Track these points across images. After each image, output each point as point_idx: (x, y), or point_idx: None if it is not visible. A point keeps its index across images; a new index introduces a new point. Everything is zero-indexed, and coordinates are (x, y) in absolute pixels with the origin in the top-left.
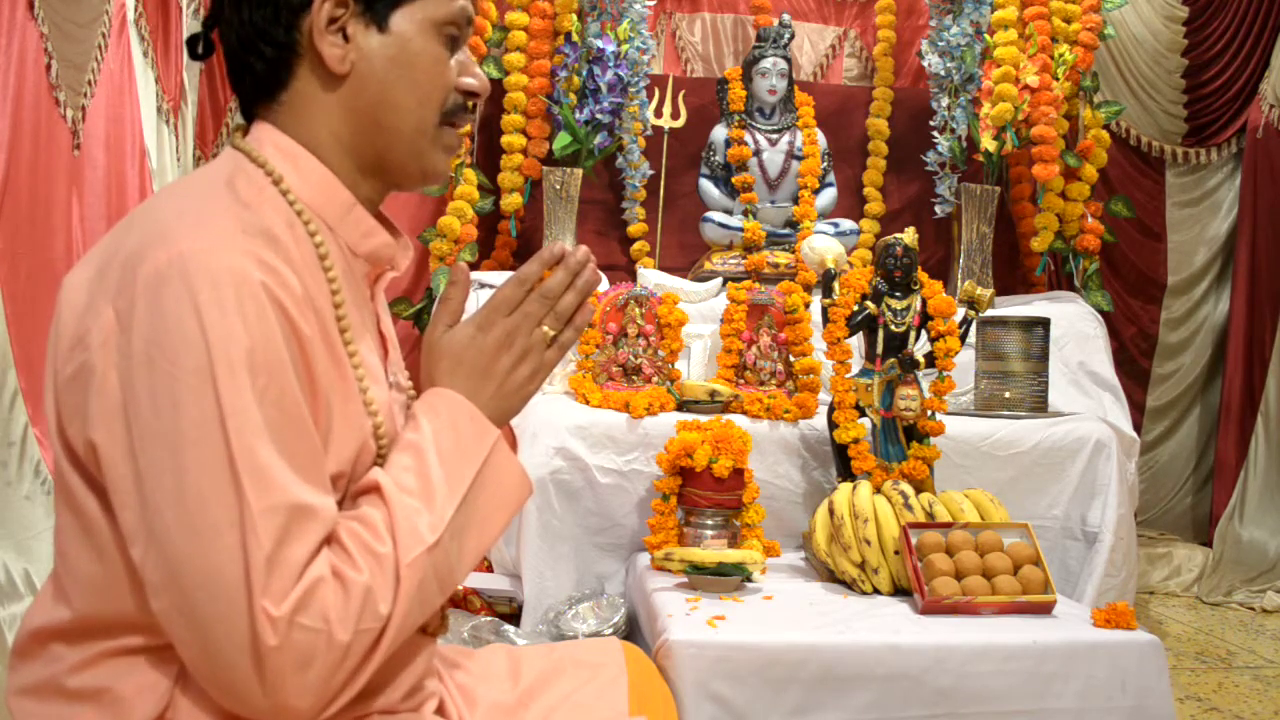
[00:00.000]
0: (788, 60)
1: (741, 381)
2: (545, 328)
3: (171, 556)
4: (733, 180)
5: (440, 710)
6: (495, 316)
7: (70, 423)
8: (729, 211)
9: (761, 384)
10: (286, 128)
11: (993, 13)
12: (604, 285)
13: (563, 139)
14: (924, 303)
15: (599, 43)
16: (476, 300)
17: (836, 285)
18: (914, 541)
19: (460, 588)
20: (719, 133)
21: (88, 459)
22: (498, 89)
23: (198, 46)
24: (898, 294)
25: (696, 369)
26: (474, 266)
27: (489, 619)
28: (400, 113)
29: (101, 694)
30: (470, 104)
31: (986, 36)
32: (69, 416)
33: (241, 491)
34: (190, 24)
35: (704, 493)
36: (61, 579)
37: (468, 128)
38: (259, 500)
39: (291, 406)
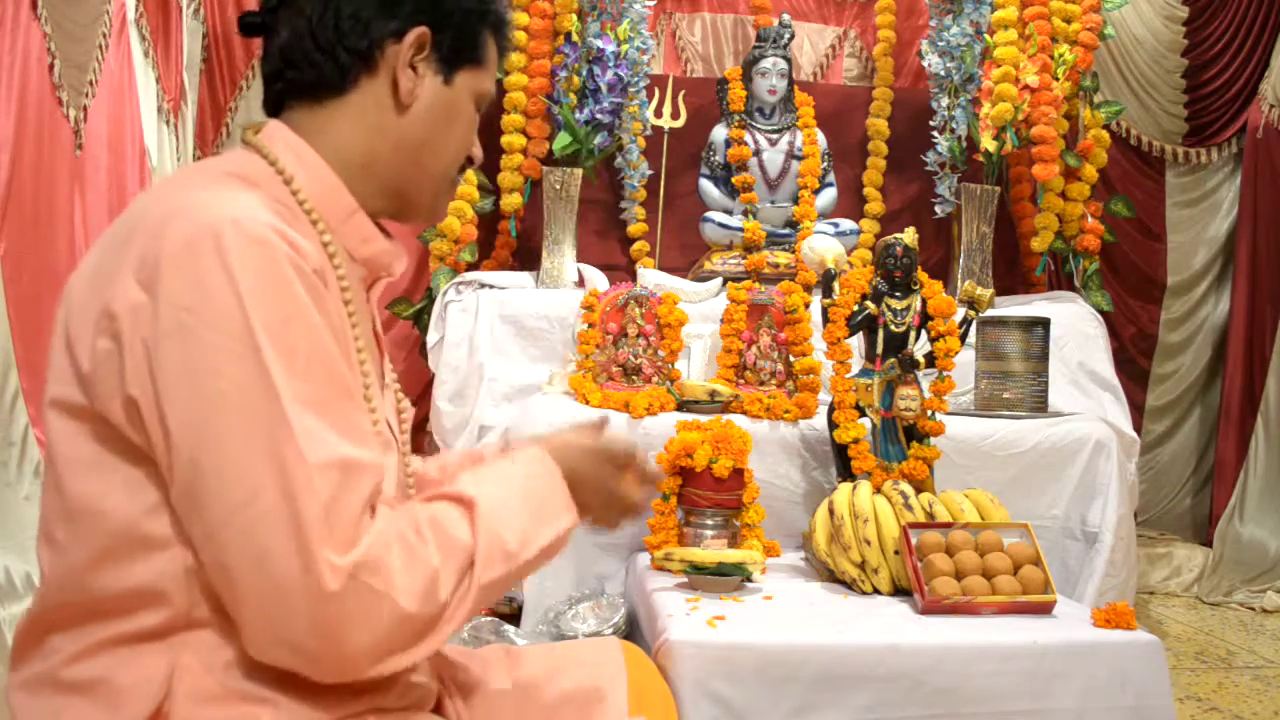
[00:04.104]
0: (788, 60)
1: (741, 381)
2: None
3: (219, 519)
4: (733, 180)
5: (438, 710)
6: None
7: (110, 399)
8: (729, 211)
9: (761, 384)
10: (314, 129)
11: (993, 13)
12: (604, 285)
13: (563, 139)
14: (924, 303)
15: (599, 43)
16: (477, 301)
17: (836, 285)
18: (914, 541)
19: None
20: (719, 133)
21: (127, 427)
22: (498, 89)
23: (252, 26)
24: (898, 294)
25: (696, 369)
26: (474, 266)
27: (489, 619)
28: (438, 156)
29: (97, 685)
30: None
31: (986, 36)
32: (105, 395)
33: (294, 449)
34: (191, 24)
35: (704, 493)
36: (50, 566)
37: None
38: (310, 456)
39: (331, 368)
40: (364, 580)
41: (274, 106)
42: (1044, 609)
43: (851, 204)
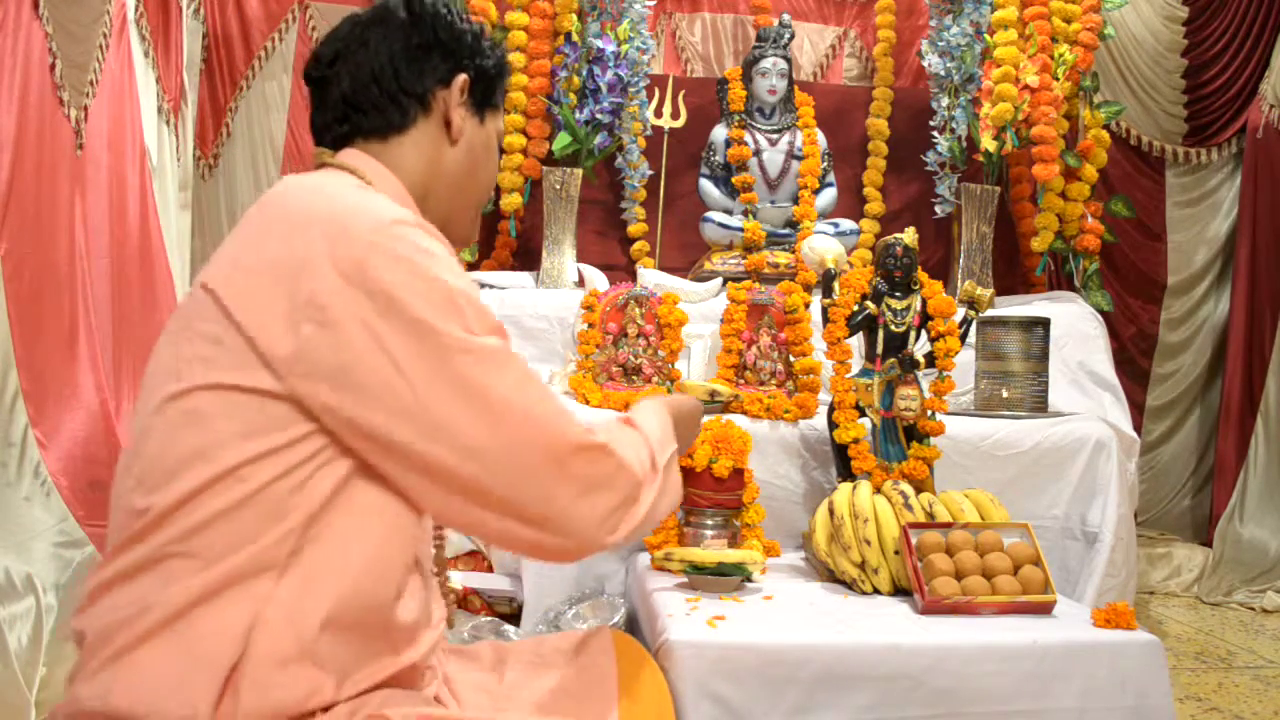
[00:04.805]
0: (788, 60)
1: (741, 381)
2: None
3: (480, 442)
4: (733, 180)
5: (435, 701)
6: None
7: (310, 377)
8: (729, 211)
9: (761, 384)
10: (384, 160)
11: (993, 13)
12: (604, 285)
13: (563, 139)
14: (924, 303)
15: (599, 43)
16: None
17: (836, 285)
18: (914, 541)
19: (461, 586)
20: (719, 133)
21: (322, 405)
22: None
23: (315, 80)
24: (898, 294)
25: (696, 369)
26: (473, 266)
27: (489, 619)
28: (477, 187)
29: (180, 632)
30: None
31: (986, 36)
32: (305, 373)
33: (520, 376)
34: (191, 24)
35: (704, 493)
36: (149, 517)
37: None
38: (534, 377)
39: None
40: (609, 450)
41: (335, 146)
42: (1044, 609)
43: (851, 204)
